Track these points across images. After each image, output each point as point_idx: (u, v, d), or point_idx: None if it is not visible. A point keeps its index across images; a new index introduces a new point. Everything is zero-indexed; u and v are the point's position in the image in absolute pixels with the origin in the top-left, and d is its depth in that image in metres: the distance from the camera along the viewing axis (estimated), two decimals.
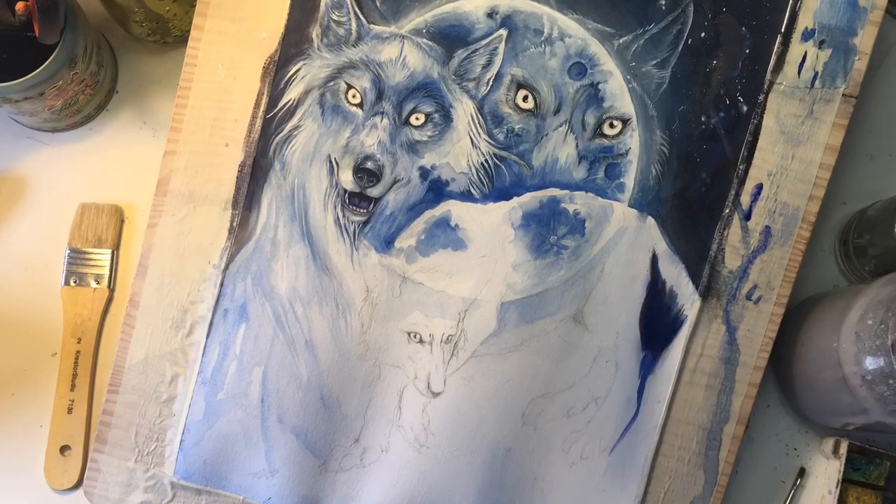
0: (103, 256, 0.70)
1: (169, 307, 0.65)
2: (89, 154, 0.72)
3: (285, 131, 0.65)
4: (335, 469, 0.65)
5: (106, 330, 0.70)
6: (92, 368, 0.69)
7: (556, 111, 0.64)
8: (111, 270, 0.70)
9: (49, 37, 0.62)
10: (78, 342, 0.69)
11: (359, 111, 0.64)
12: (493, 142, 0.64)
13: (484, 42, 0.64)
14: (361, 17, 0.64)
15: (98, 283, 0.69)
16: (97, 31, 0.70)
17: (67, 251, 0.70)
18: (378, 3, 0.64)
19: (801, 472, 0.70)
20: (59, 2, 0.61)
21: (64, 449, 0.68)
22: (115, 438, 0.65)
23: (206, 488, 0.65)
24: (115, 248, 0.70)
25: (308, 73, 0.64)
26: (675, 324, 0.65)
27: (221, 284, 0.65)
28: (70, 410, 0.68)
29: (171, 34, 0.70)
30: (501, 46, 0.64)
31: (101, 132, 0.72)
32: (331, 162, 0.64)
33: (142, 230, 0.69)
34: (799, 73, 0.65)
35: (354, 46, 0.64)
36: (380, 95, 0.64)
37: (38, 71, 0.62)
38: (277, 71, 0.64)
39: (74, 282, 0.69)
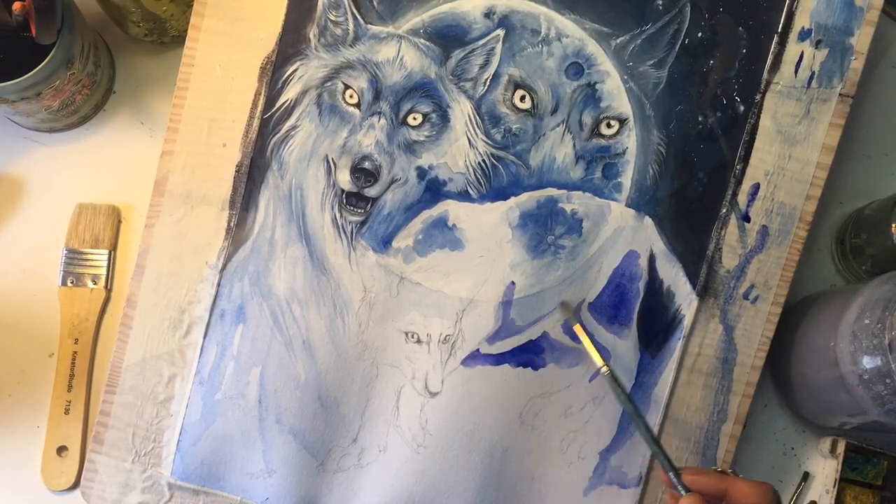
0: (100, 257, 0.70)
1: (166, 308, 0.65)
2: (86, 154, 0.72)
3: (283, 131, 0.65)
4: (333, 469, 0.65)
5: (103, 330, 0.70)
6: (89, 369, 0.69)
7: (554, 111, 0.64)
8: (108, 271, 0.70)
9: (46, 37, 0.61)
10: (75, 343, 0.69)
11: (356, 111, 0.64)
12: (490, 142, 0.64)
13: (481, 42, 0.64)
14: (359, 17, 0.64)
15: (95, 283, 0.69)
16: (94, 31, 0.70)
17: (64, 251, 0.69)
18: (375, 4, 0.64)
19: (805, 477, 0.70)
20: (56, 2, 0.60)
21: (61, 450, 0.68)
22: (112, 439, 0.65)
23: (203, 489, 0.65)
24: (113, 249, 0.70)
25: (305, 74, 0.64)
26: (672, 323, 0.65)
27: (219, 285, 0.65)
28: (67, 411, 0.68)
29: (168, 34, 0.70)
30: (499, 46, 0.64)
31: (98, 132, 0.72)
32: (328, 162, 0.64)
33: (139, 230, 0.69)
34: (796, 72, 0.65)
35: (352, 46, 0.64)
36: (377, 95, 0.64)
37: (34, 71, 0.62)
38: (275, 71, 0.64)
39: (71, 282, 0.69)
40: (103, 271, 0.70)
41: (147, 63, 0.73)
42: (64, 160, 0.71)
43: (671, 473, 0.55)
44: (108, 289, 0.70)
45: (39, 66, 0.62)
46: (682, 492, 0.54)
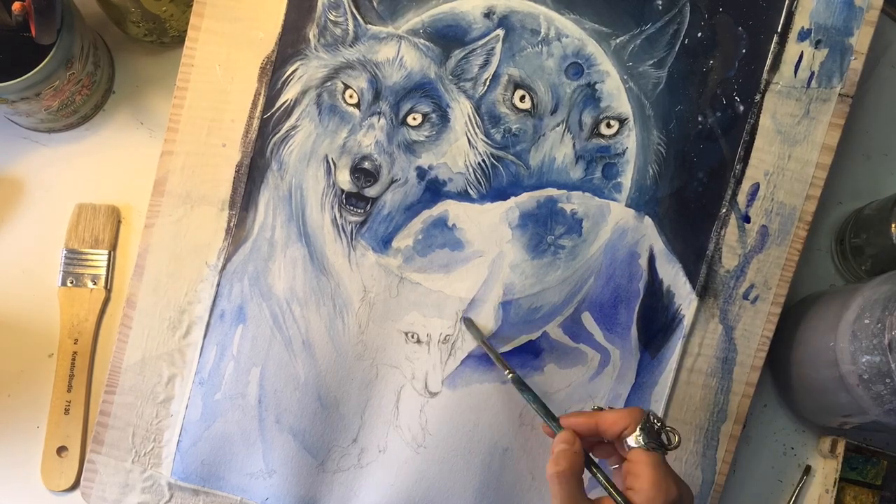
0: (100, 257, 0.70)
1: (166, 308, 0.65)
2: (86, 155, 0.71)
3: (282, 131, 0.65)
4: (333, 469, 0.65)
5: (103, 331, 0.70)
6: (89, 369, 0.69)
7: (553, 111, 0.64)
8: (108, 271, 0.70)
9: (45, 37, 0.61)
10: (75, 343, 0.69)
11: (356, 111, 0.64)
12: (490, 142, 0.64)
13: (481, 42, 0.64)
14: (358, 17, 0.64)
15: (95, 283, 0.69)
16: (94, 31, 0.70)
17: (64, 252, 0.69)
18: (375, 4, 0.64)
19: (807, 470, 0.70)
20: (56, 2, 0.60)
21: (61, 450, 0.68)
22: (112, 439, 0.65)
23: (203, 489, 0.65)
24: (112, 249, 0.70)
25: (305, 74, 0.64)
26: (672, 323, 0.65)
27: (218, 285, 0.65)
28: (67, 411, 0.68)
29: (167, 34, 0.70)
30: (498, 46, 0.64)
31: (97, 133, 0.72)
32: (328, 162, 0.64)
33: (139, 231, 0.69)
34: (795, 72, 0.65)
35: (351, 47, 0.64)
36: (377, 95, 0.64)
37: (34, 71, 0.62)
38: (274, 71, 0.64)
39: (71, 282, 0.69)
40: (103, 271, 0.70)
41: (146, 63, 0.73)
42: (63, 160, 0.71)
43: (550, 422, 0.55)
44: (108, 289, 0.70)
45: (39, 67, 0.62)
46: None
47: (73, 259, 0.69)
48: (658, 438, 0.51)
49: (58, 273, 0.69)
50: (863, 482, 0.69)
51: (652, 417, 0.52)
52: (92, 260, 0.69)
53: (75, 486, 0.67)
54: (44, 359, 0.69)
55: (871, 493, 0.69)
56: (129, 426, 0.65)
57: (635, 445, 0.51)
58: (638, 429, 0.51)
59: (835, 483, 0.68)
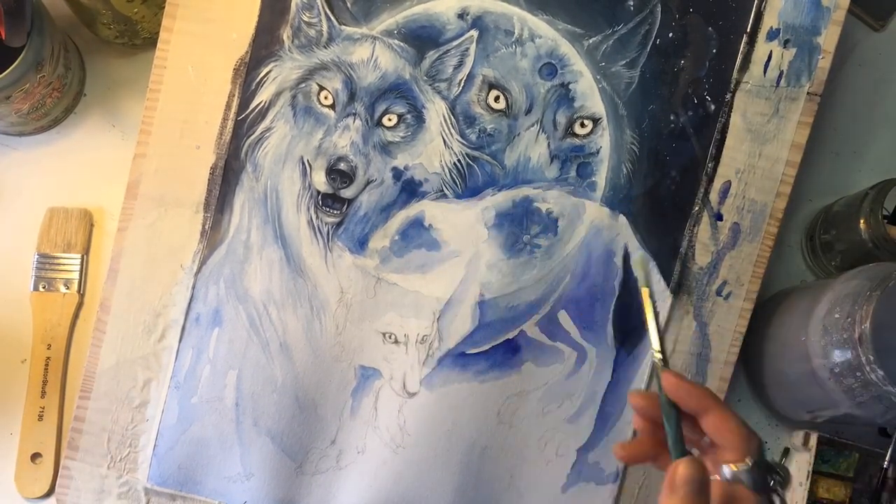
0: (73, 261, 0.69)
1: (140, 311, 0.65)
2: (57, 158, 0.71)
3: (257, 133, 0.64)
4: (311, 472, 0.65)
5: (76, 335, 0.69)
6: (62, 375, 0.68)
7: (528, 111, 0.65)
8: (81, 275, 0.69)
9: (15, 39, 0.61)
10: (48, 348, 0.68)
11: (331, 112, 0.64)
12: (465, 142, 0.65)
13: (455, 43, 0.64)
14: (332, 18, 0.64)
15: (68, 288, 0.69)
16: (64, 33, 0.69)
17: (36, 256, 0.69)
18: (349, 5, 0.64)
19: (786, 452, 0.71)
20: (26, 4, 0.60)
21: (35, 456, 0.67)
22: (87, 445, 0.65)
23: (180, 493, 0.65)
24: (85, 253, 0.70)
25: (279, 75, 0.64)
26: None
27: (193, 288, 0.65)
28: (41, 417, 0.67)
29: (139, 36, 0.70)
30: (472, 47, 0.64)
31: (69, 136, 0.71)
32: (303, 163, 0.64)
33: (111, 234, 0.69)
34: (765, 72, 0.66)
35: (326, 48, 0.64)
36: (352, 97, 0.64)
37: (4, 74, 0.61)
38: (248, 72, 0.64)
39: (43, 287, 0.68)
40: (76, 276, 0.69)
41: (118, 65, 0.72)
42: (34, 164, 0.71)
43: (670, 419, 0.47)
44: (81, 293, 0.69)
45: (9, 69, 0.61)
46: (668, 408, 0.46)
47: (46, 263, 0.69)
48: (766, 480, 0.45)
49: (30, 278, 0.69)
50: (835, 474, 0.70)
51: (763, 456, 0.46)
52: (64, 264, 0.69)
53: (50, 492, 0.66)
54: (17, 365, 0.69)
55: (843, 485, 0.70)
56: (105, 431, 0.65)
57: (741, 480, 0.46)
58: (751, 461, 0.46)
59: (808, 476, 0.69)
